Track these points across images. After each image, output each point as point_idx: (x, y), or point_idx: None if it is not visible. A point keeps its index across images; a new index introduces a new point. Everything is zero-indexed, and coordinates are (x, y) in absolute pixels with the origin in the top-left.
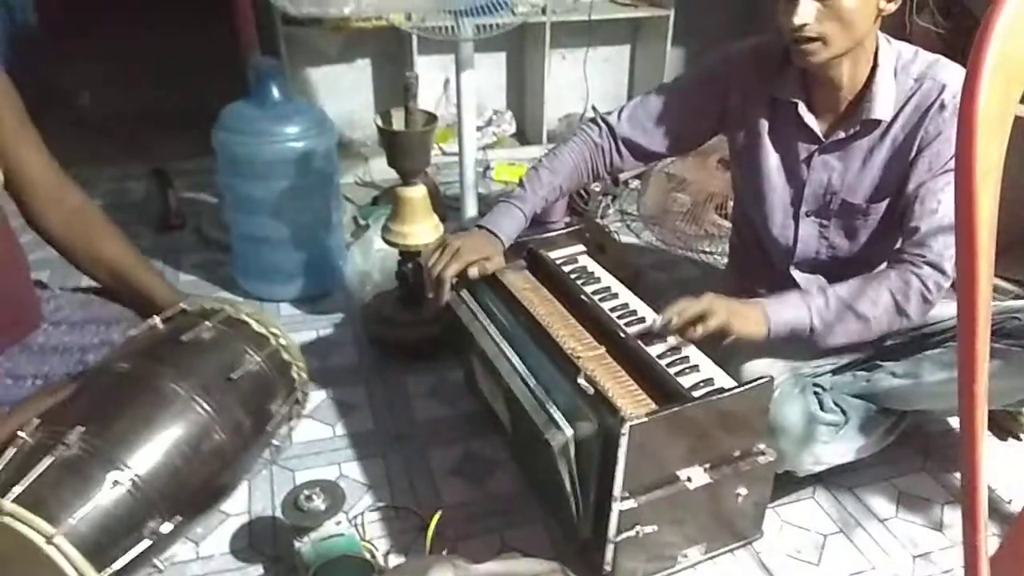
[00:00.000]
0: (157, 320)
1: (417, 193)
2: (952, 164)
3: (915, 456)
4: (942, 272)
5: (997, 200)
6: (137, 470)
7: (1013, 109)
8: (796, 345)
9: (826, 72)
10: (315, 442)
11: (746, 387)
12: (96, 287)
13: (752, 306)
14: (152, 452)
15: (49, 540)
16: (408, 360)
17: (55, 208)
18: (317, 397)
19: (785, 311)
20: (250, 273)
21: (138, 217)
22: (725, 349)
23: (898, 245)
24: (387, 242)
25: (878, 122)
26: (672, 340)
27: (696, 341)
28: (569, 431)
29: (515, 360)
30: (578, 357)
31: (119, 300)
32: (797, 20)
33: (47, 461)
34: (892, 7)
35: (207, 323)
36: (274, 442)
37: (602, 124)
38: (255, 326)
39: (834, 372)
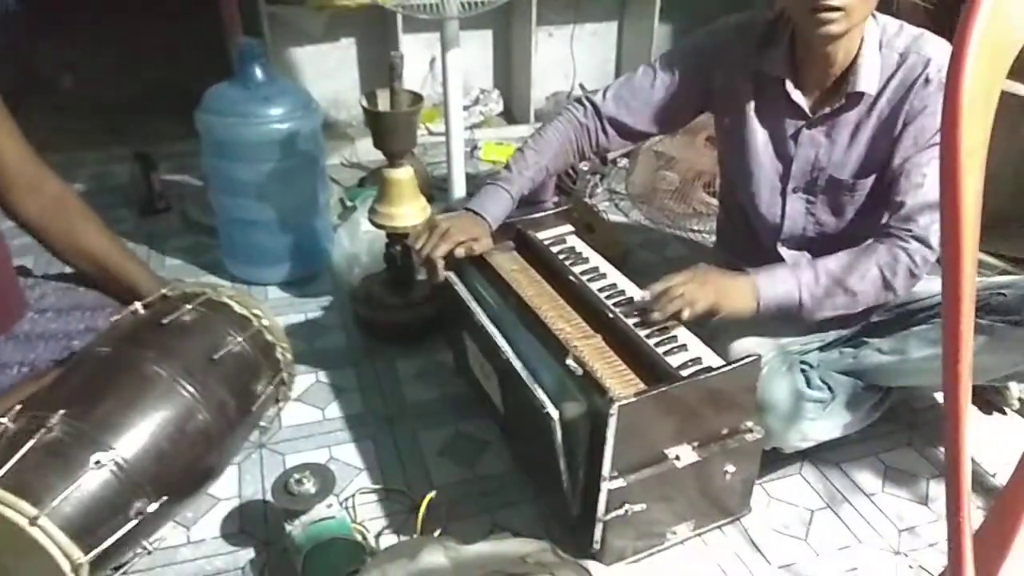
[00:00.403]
0: (138, 305)
1: (404, 174)
2: (937, 139)
3: (901, 431)
4: (928, 246)
5: (982, 178)
6: (121, 451)
7: (999, 87)
8: (783, 321)
9: (824, 47)
10: (305, 425)
11: (734, 365)
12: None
13: (741, 280)
14: (136, 433)
15: (33, 521)
16: (397, 342)
17: (33, 197)
18: (306, 380)
19: (775, 286)
20: (237, 256)
21: (123, 201)
22: (713, 326)
23: (884, 219)
24: (374, 224)
25: (863, 95)
26: (659, 317)
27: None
28: (557, 412)
29: (503, 341)
30: (566, 338)
31: (101, 288)
32: None
33: (29, 444)
34: None
35: (188, 306)
36: (261, 423)
37: (587, 103)
38: (237, 308)
39: (821, 349)
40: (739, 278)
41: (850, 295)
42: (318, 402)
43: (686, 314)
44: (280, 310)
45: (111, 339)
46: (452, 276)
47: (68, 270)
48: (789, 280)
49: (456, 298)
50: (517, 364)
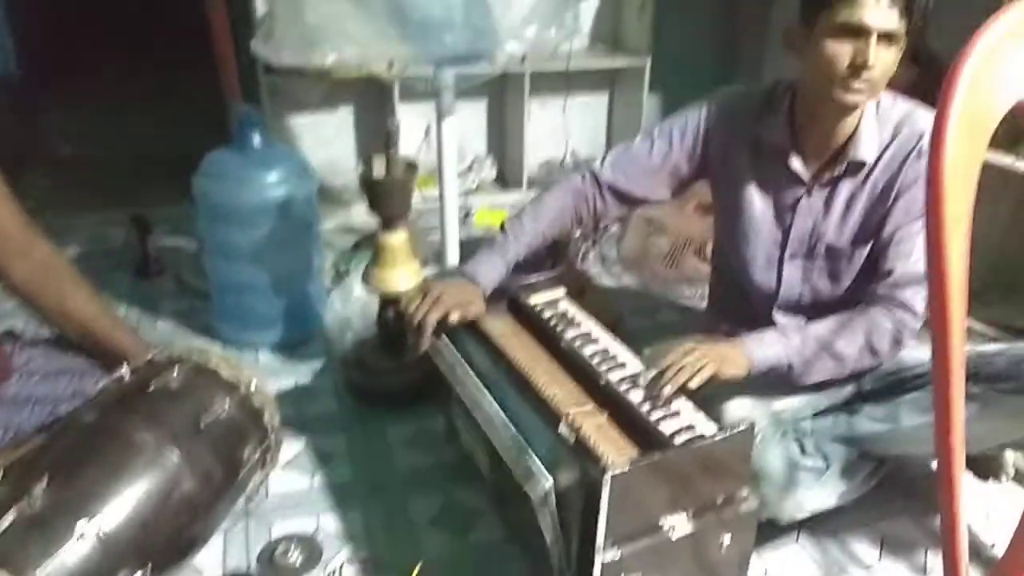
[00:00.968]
0: (125, 370)
1: (398, 239)
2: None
3: (897, 500)
4: (914, 314)
5: (968, 245)
6: (105, 521)
7: (981, 156)
8: (773, 382)
9: (837, 118)
10: (292, 493)
11: (728, 433)
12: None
13: (733, 346)
14: (120, 503)
15: None
16: (388, 408)
17: (22, 261)
18: (295, 447)
19: (765, 350)
20: (229, 320)
21: (117, 264)
22: (704, 389)
23: (872, 286)
24: (368, 288)
25: (862, 164)
26: (669, 391)
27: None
28: (549, 480)
29: (495, 408)
30: (559, 404)
31: (88, 353)
32: (871, 59)
33: (11, 516)
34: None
35: (175, 371)
36: (247, 491)
37: (586, 172)
38: (225, 373)
39: (814, 416)
40: (731, 344)
41: (837, 360)
42: (306, 469)
43: (695, 383)
44: (270, 374)
45: (97, 405)
46: (440, 343)
47: (56, 334)
48: (778, 344)
49: (442, 366)
50: (496, 438)
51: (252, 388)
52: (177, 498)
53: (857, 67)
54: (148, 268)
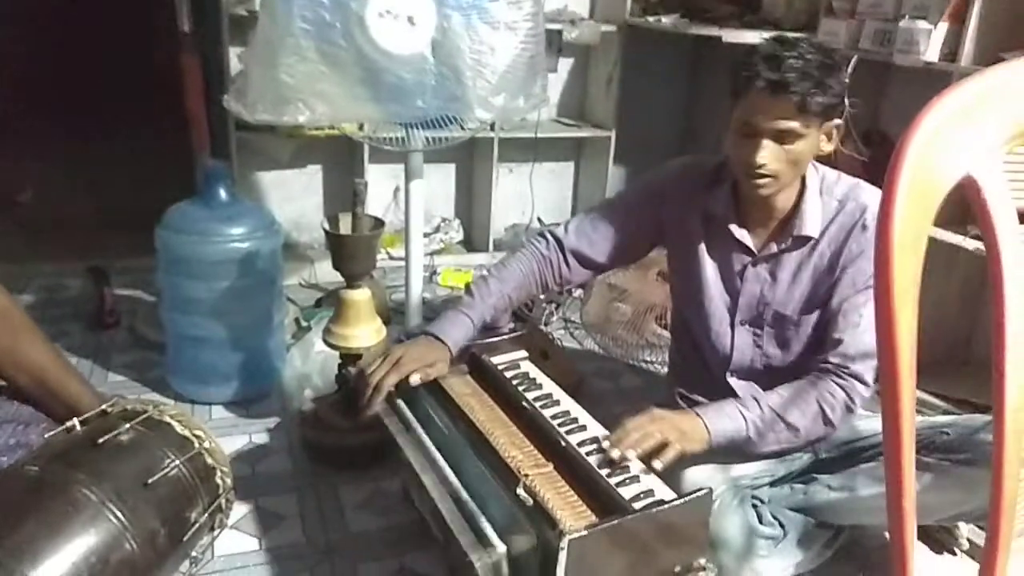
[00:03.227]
0: (76, 422)
1: (361, 296)
2: (872, 280)
3: (854, 571)
4: (864, 383)
5: (916, 316)
6: None
7: (927, 229)
8: (729, 450)
9: (762, 199)
10: (239, 555)
11: (686, 499)
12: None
13: (692, 419)
14: (56, 562)
15: None
16: (344, 468)
17: None
18: (244, 506)
19: (724, 422)
20: (183, 374)
21: (72, 314)
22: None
23: (823, 355)
24: (328, 344)
25: (808, 238)
26: (616, 454)
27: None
28: (502, 547)
29: (447, 472)
30: (518, 466)
31: (38, 404)
32: (760, 160)
33: None
34: (829, 148)
35: (127, 425)
36: (192, 553)
37: (550, 237)
38: (178, 428)
39: (772, 484)
40: (690, 416)
41: (792, 430)
42: (255, 531)
43: (659, 465)
44: (223, 431)
45: (42, 457)
46: (388, 408)
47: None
48: (736, 416)
49: (392, 427)
50: (444, 505)
51: (205, 445)
52: (117, 560)
53: (749, 164)
54: (103, 319)
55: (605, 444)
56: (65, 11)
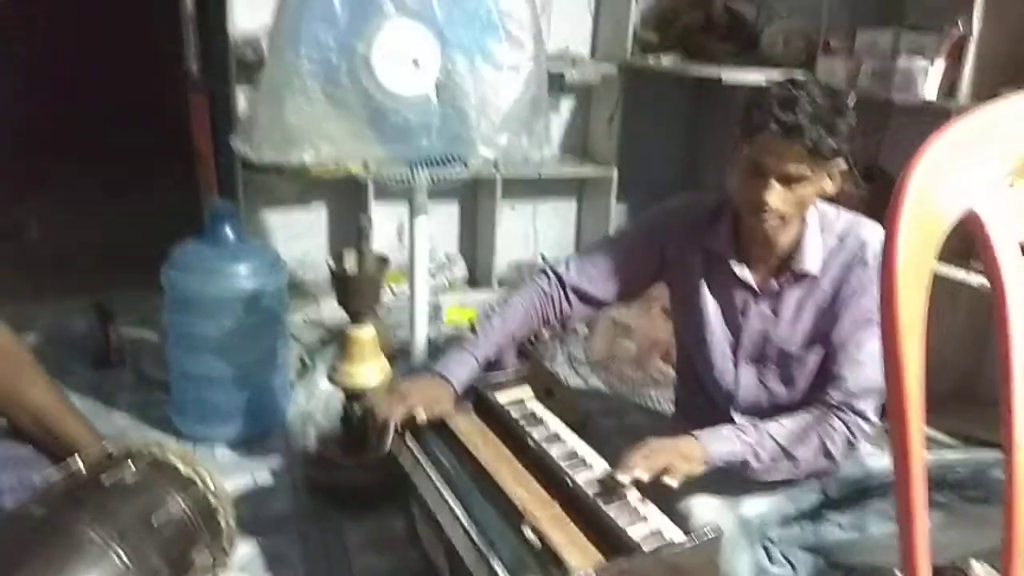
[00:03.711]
0: (79, 462)
1: (366, 334)
2: (874, 315)
3: None
4: (865, 418)
5: (923, 351)
6: None
7: (931, 264)
8: (734, 479)
9: (765, 236)
10: None
11: (696, 541)
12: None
13: (688, 442)
14: None
15: None
16: (348, 507)
17: None
18: (248, 548)
19: (720, 445)
20: (187, 413)
21: (76, 353)
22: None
23: (826, 391)
24: (333, 382)
25: (808, 275)
26: (622, 477)
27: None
28: None
29: (458, 511)
30: (524, 506)
31: (38, 444)
32: (768, 200)
33: None
34: (832, 191)
35: (131, 465)
36: None
37: (551, 274)
38: (182, 469)
39: (781, 524)
40: (686, 439)
41: (793, 461)
42: (258, 572)
43: (646, 476)
44: (227, 471)
45: (47, 497)
46: (400, 444)
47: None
48: (732, 438)
49: (405, 464)
50: (459, 542)
51: (209, 486)
52: None
53: (757, 204)
54: (107, 358)
55: (609, 474)
56: (74, 50)
